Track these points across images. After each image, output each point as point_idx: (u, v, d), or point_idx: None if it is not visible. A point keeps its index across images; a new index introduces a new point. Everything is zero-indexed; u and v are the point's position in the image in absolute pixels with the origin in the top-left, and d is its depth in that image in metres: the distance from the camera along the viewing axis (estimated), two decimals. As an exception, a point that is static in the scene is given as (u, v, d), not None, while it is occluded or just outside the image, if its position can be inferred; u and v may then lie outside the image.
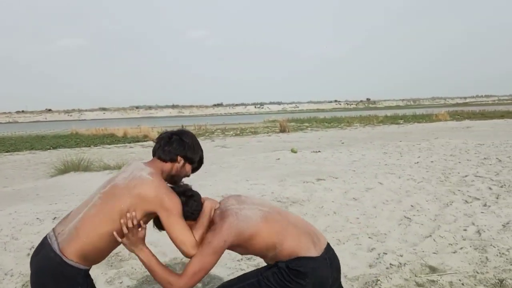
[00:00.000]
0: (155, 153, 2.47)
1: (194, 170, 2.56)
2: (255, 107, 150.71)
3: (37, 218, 6.13)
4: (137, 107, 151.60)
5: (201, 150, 2.57)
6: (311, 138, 21.06)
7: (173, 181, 2.48)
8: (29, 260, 2.36)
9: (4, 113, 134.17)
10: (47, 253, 2.16)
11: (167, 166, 2.43)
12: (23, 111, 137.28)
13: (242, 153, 15.11)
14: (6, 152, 21.00)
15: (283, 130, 27.72)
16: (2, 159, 17.50)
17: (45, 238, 2.25)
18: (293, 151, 13.73)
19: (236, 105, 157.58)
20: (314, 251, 2.37)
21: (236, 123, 47.93)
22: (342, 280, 3.65)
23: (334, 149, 14.46)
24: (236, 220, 2.33)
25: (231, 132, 29.61)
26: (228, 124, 45.92)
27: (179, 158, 2.44)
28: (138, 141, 25.49)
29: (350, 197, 6.81)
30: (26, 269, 4.17)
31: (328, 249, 2.48)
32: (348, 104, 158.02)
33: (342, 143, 17.27)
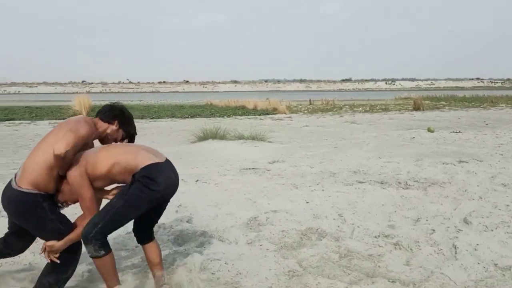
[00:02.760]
0: (98, 114, 3.08)
1: (123, 139, 3.13)
2: (386, 83, 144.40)
3: (182, 180, 6.59)
4: (266, 81, 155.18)
5: (135, 126, 3.24)
6: (449, 118, 19.61)
7: (103, 140, 3.09)
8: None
9: (148, 83, 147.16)
10: (10, 190, 2.75)
11: (103, 125, 3.03)
12: (164, 82, 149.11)
13: (373, 130, 14.67)
14: (151, 119, 23.05)
15: (417, 108, 26.20)
16: (148, 125, 19.26)
17: (10, 180, 2.81)
18: (429, 130, 12.94)
19: (366, 80, 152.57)
20: (156, 159, 2.86)
21: (365, 99, 46.46)
22: (491, 268, 3.40)
23: (477, 130, 13.32)
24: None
25: (360, 108, 28.83)
26: (356, 100, 44.79)
27: (116, 122, 3.05)
28: (268, 114, 26.11)
29: (498, 182, 6.22)
30: (176, 225, 4.59)
31: (169, 161, 2.99)
32: (492, 82, 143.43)
33: (486, 124, 15.81)
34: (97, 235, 2.71)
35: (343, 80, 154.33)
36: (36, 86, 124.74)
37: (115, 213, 2.76)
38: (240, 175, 6.96)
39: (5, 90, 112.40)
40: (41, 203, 2.72)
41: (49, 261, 2.85)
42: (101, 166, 2.78)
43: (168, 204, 5.33)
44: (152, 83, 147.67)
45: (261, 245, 3.96)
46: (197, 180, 6.55)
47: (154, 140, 13.59)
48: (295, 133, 15.15)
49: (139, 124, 17.49)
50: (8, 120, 21.10)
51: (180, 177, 6.73)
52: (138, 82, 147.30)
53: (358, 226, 4.45)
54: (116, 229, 2.89)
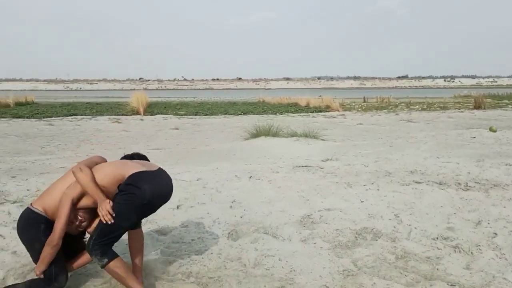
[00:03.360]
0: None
1: None
2: (445, 80, 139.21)
3: (236, 176, 6.73)
4: (318, 78, 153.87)
5: None
6: (513, 117, 18.65)
7: None
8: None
9: (202, 80, 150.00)
10: (25, 210, 3.03)
11: None
12: (217, 79, 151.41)
13: (431, 129, 14.22)
14: (205, 115, 23.48)
15: (478, 106, 25.10)
16: (202, 121, 19.65)
17: None
18: (492, 130, 12.35)
19: (423, 77, 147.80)
20: (143, 168, 2.98)
21: (422, 96, 45.03)
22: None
23: (545, 131, 12.56)
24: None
25: (417, 106, 27.99)
26: (413, 97, 43.52)
27: None
28: (321, 111, 25.91)
29: None
30: (231, 219, 4.67)
31: (161, 169, 3.10)
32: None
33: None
34: (95, 246, 2.83)
35: (399, 77, 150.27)
36: (96, 83, 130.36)
37: (104, 224, 2.84)
38: (293, 172, 6.96)
39: (68, 87, 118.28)
40: (40, 224, 2.92)
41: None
42: (107, 172, 2.97)
43: (223, 199, 5.48)
44: (206, 80, 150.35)
45: (314, 243, 3.94)
46: (251, 177, 6.61)
47: (208, 136, 13.86)
48: (349, 131, 14.94)
49: (193, 120, 18.06)
50: (70, 115, 22.18)
51: (234, 173, 6.90)
52: (192, 79, 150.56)
53: (415, 227, 4.33)
54: (112, 239, 2.90)
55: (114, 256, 2.87)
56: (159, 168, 3.11)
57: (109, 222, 2.79)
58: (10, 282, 3.19)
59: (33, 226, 2.92)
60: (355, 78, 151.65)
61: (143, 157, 3.37)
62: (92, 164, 3.01)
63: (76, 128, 16.11)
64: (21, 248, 3.27)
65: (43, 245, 2.87)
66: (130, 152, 3.48)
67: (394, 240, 4.00)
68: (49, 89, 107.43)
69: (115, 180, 2.93)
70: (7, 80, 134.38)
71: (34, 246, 2.93)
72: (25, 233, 2.96)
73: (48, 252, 2.84)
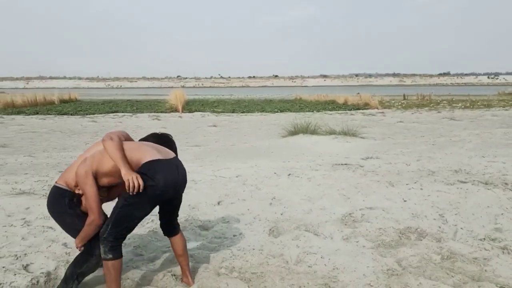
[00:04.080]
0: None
1: None
2: (488, 77, 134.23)
3: (275, 173, 6.75)
4: (356, 75, 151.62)
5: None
6: (563, 115, 17.84)
7: None
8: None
9: (238, 77, 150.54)
10: (51, 188, 3.12)
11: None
12: (254, 77, 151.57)
13: (475, 127, 13.78)
14: (242, 113, 23.60)
15: (524, 104, 24.13)
16: (239, 119, 19.76)
17: None
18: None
19: (466, 74, 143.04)
20: (158, 156, 2.88)
21: (464, 94, 43.65)
22: None
23: None
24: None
25: (459, 104, 27.18)
26: (455, 95, 42.28)
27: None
28: (359, 109, 25.58)
29: None
30: (272, 216, 4.68)
31: (176, 159, 3.01)
32: None
33: None
34: (109, 237, 2.80)
35: (440, 74, 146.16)
36: (136, 81, 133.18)
37: (118, 214, 2.82)
38: (332, 170, 6.90)
39: (109, 85, 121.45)
40: (64, 198, 2.99)
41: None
42: (106, 163, 2.87)
43: (262, 196, 5.50)
44: (242, 77, 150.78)
45: (357, 242, 3.90)
46: (290, 174, 6.60)
47: (246, 134, 13.93)
48: (389, 129, 14.69)
49: (230, 117, 18.27)
50: (112, 112, 22.79)
51: (273, 171, 6.91)
52: (229, 77, 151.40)
53: (461, 228, 4.22)
54: (125, 230, 2.89)
55: (119, 256, 2.85)
56: (175, 157, 3.04)
57: (134, 193, 2.74)
58: (61, 272, 3.31)
59: (58, 201, 3.00)
60: (394, 75, 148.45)
61: (170, 141, 3.30)
62: (120, 136, 2.99)
63: (118, 125, 16.55)
64: (71, 240, 3.39)
65: (71, 217, 2.96)
66: (159, 132, 3.44)
67: (439, 240, 3.91)
68: (91, 86, 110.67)
69: (130, 161, 2.86)
70: (51, 78, 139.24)
71: (64, 220, 3.02)
72: (53, 209, 3.04)
73: (88, 230, 2.89)
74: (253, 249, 3.80)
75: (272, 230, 4.27)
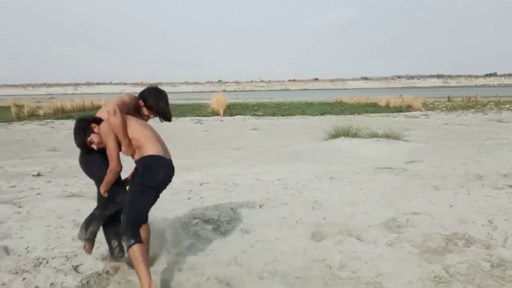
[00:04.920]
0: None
1: (154, 115, 3.72)
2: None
3: (316, 176, 6.71)
4: (398, 77, 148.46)
5: (163, 103, 3.67)
6: None
7: (141, 115, 3.69)
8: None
9: (279, 81, 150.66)
10: None
11: (139, 102, 3.66)
12: (294, 80, 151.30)
13: (525, 130, 13.20)
14: (282, 116, 23.59)
15: None
16: (280, 122, 19.77)
17: None
18: None
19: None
20: (161, 153, 3.27)
21: (513, 95, 41.96)
22: None
23: None
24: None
25: (508, 106, 26.12)
26: (502, 96, 40.68)
27: (141, 100, 3.65)
28: (401, 111, 25.05)
29: None
30: (314, 220, 4.66)
31: (171, 161, 3.36)
32: None
33: None
34: (127, 227, 3.06)
35: (486, 75, 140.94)
36: (179, 86, 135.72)
37: (130, 208, 3.14)
38: (375, 174, 6.80)
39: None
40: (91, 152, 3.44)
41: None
42: (130, 130, 3.30)
43: (304, 199, 5.48)
44: (282, 81, 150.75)
45: (402, 247, 3.82)
46: (331, 178, 6.55)
47: (287, 137, 13.91)
48: (433, 132, 14.30)
49: (271, 121, 18.24)
50: (155, 116, 23.27)
51: (314, 174, 6.87)
52: (269, 81, 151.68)
53: (511, 234, 4.06)
54: (140, 218, 3.14)
55: (139, 240, 3.06)
56: (170, 159, 3.38)
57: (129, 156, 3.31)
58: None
59: (87, 156, 3.46)
60: (438, 76, 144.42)
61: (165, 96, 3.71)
62: (122, 105, 3.41)
63: (161, 129, 16.86)
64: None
65: (98, 166, 3.40)
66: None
67: (488, 247, 3.77)
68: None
69: (137, 147, 3.29)
70: (98, 83, 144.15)
71: (92, 170, 3.48)
72: (84, 165, 3.50)
73: (109, 176, 3.31)
74: (296, 253, 3.80)
75: (315, 234, 4.25)
